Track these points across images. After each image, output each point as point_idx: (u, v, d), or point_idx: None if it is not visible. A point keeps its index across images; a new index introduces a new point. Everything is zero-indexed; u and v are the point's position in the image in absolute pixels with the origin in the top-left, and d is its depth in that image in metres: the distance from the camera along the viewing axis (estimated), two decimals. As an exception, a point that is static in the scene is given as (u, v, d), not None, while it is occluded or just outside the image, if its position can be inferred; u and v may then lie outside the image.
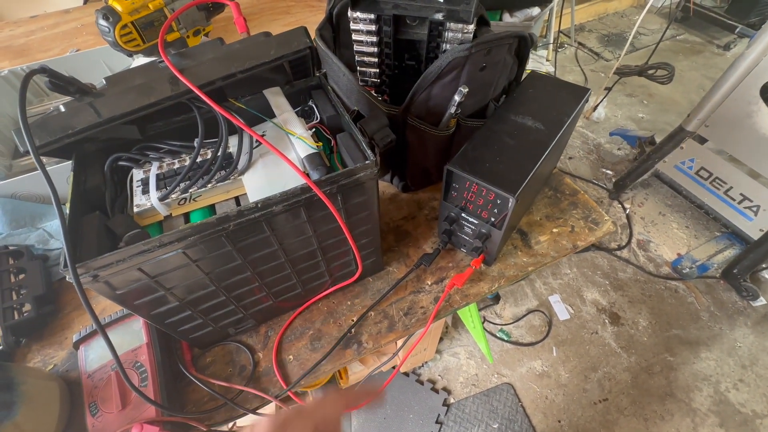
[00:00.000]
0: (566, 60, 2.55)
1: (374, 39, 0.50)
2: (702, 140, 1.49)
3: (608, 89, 1.82)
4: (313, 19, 1.09)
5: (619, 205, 1.82)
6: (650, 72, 1.70)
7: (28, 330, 0.54)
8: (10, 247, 0.58)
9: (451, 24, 0.46)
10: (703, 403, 1.30)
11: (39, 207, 0.65)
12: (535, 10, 1.94)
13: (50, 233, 0.64)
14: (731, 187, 1.44)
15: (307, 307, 0.55)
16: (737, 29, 1.57)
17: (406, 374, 1.38)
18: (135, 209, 0.39)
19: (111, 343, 0.37)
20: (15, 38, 1.06)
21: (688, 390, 1.33)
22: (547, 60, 2.34)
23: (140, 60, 0.59)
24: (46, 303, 0.55)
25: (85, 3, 1.36)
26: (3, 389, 0.41)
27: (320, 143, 0.43)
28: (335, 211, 0.39)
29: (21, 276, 0.57)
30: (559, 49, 2.54)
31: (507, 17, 1.85)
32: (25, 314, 0.53)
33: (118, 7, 0.54)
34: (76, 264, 0.31)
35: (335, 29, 0.65)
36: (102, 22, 0.54)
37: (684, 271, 1.57)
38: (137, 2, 0.55)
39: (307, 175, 0.40)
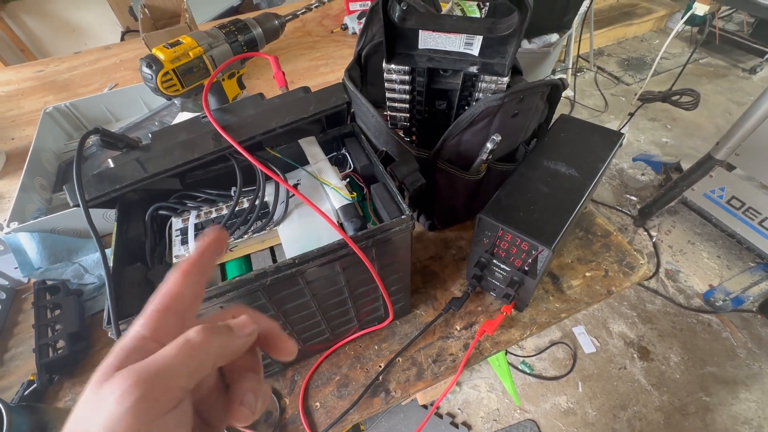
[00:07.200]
0: (585, 84, 2.54)
1: (407, 87, 0.51)
2: (732, 168, 1.45)
3: (631, 115, 1.80)
4: (338, 54, 1.12)
5: (645, 233, 1.77)
6: (674, 98, 1.67)
7: (61, 367, 0.54)
8: (48, 282, 0.60)
9: (485, 76, 0.46)
10: (745, 449, 1.21)
11: (76, 241, 0.67)
12: (554, 37, 1.94)
13: (85, 267, 0.65)
14: (766, 218, 1.38)
15: (334, 351, 0.55)
16: (767, 55, 1.54)
17: (425, 407, 1.34)
18: (174, 260, 0.40)
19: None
20: (59, 73, 1.13)
21: (728, 434, 1.25)
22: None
23: (183, 115, 0.61)
24: (79, 340, 0.56)
25: (122, 39, 1.44)
26: (38, 434, 0.41)
27: (354, 194, 0.43)
28: (369, 264, 0.38)
29: (57, 311, 0.58)
30: (579, 74, 2.54)
31: (525, 43, 1.87)
32: (59, 351, 0.54)
33: (161, 56, 0.57)
34: (120, 321, 0.32)
35: (363, 68, 0.67)
36: (145, 69, 0.57)
37: (717, 304, 1.50)
38: (179, 51, 0.58)
39: (342, 226, 0.41)
